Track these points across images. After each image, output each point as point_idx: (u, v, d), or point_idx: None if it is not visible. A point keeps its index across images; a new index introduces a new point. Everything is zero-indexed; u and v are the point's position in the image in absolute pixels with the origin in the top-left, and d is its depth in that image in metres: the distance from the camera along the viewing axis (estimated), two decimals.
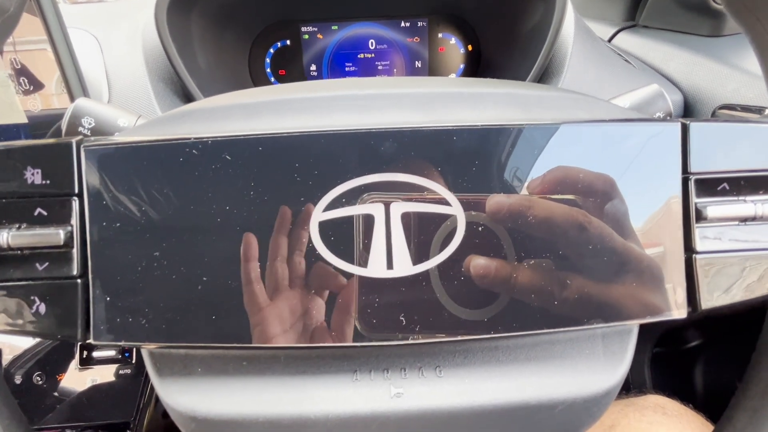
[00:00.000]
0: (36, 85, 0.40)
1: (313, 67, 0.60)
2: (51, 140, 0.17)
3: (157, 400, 0.52)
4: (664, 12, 0.60)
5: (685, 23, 0.57)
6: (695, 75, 0.50)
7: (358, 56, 0.60)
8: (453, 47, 0.60)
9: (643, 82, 0.50)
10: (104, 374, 0.51)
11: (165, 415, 0.53)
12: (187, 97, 0.47)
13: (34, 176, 0.17)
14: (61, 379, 0.51)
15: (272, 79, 0.60)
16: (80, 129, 0.26)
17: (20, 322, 0.17)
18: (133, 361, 0.51)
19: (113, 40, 0.48)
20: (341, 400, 0.18)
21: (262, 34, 0.58)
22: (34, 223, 0.17)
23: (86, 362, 0.51)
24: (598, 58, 0.51)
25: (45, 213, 0.17)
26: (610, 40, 0.66)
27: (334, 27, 0.59)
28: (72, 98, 0.40)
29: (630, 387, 0.66)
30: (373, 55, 0.60)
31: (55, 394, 0.50)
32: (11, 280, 0.17)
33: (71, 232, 0.17)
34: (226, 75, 0.54)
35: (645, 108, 0.28)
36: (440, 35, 0.59)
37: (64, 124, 0.26)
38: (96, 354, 0.51)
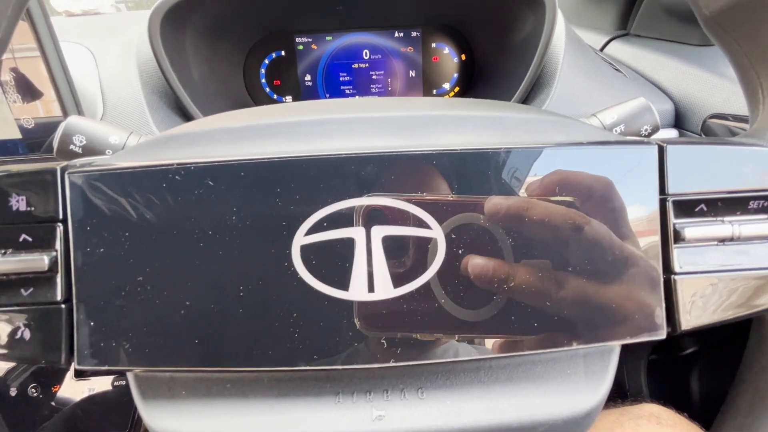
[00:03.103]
0: (36, 93, 0.40)
1: (308, 78, 0.60)
2: (35, 167, 0.17)
3: None
4: (654, 21, 0.61)
5: (676, 32, 0.58)
6: (686, 84, 0.50)
7: (353, 66, 0.60)
8: (447, 57, 0.60)
9: (633, 92, 0.51)
10: (99, 386, 0.51)
11: None
12: (181, 110, 0.48)
13: (18, 203, 0.17)
14: (56, 391, 0.51)
15: (267, 90, 0.60)
16: (71, 147, 0.26)
17: (4, 347, 0.17)
18: None
19: (108, 54, 0.48)
20: (323, 422, 0.18)
21: (256, 45, 0.58)
22: (19, 248, 0.17)
23: (82, 374, 0.51)
24: (589, 67, 0.51)
25: (30, 239, 0.17)
26: (602, 49, 0.66)
27: (329, 38, 0.59)
28: (65, 114, 0.40)
29: (627, 394, 0.66)
30: (367, 65, 0.61)
31: (52, 404, 0.50)
32: None
33: (56, 258, 0.17)
34: (220, 87, 0.54)
35: (632, 121, 0.28)
36: (434, 45, 0.60)
37: (55, 143, 0.26)
38: None
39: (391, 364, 0.17)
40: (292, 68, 0.60)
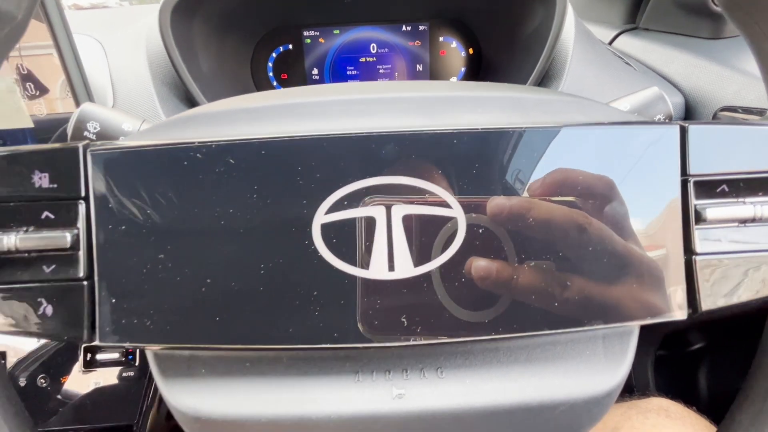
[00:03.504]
0: (41, 90, 0.41)
1: (315, 71, 0.60)
2: (58, 144, 0.17)
3: (161, 402, 0.52)
4: (664, 14, 0.60)
5: (686, 26, 0.58)
6: (696, 77, 0.50)
7: (360, 60, 0.60)
8: (454, 51, 0.60)
9: (643, 85, 0.50)
10: (107, 377, 0.51)
11: (168, 417, 0.54)
12: (190, 101, 0.48)
13: (41, 180, 0.17)
14: (64, 382, 0.51)
15: (274, 83, 0.60)
16: (85, 133, 0.26)
17: (28, 323, 0.17)
18: (137, 364, 0.51)
19: (117, 46, 0.49)
20: (343, 401, 0.18)
21: (264, 38, 0.59)
22: (42, 226, 0.17)
23: (90, 365, 0.51)
24: (599, 60, 0.51)
25: (52, 216, 0.17)
26: (611, 43, 0.66)
27: (336, 31, 0.59)
28: (77, 103, 0.40)
29: (633, 389, 0.66)
30: (374, 59, 0.61)
31: (59, 396, 0.51)
32: (19, 282, 0.17)
33: (77, 235, 0.17)
34: (228, 79, 0.55)
35: (645, 111, 0.28)
36: (441, 39, 0.60)
37: (69, 129, 0.26)
38: (100, 356, 0.51)
39: (412, 342, 0.17)
40: (300, 62, 0.60)
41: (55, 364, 0.51)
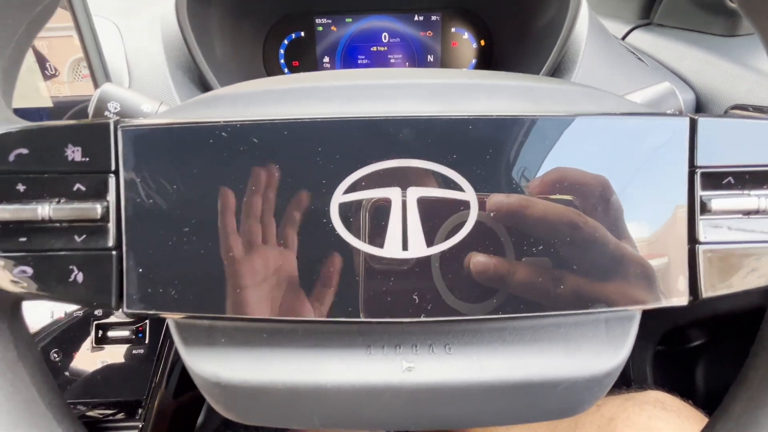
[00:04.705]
0: (52, 72, 0.41)
1: (326, 59, 0.61)
2: (90, 120, 0.18)
3: (168, 380, 0.54)
4: (678, 11, 0.60)
5: (700, 22, 0.57)
6: (708, 74, 0.50)
7: (371, 49, 0.61)
8: (465, 42, 0.60)
9: (655, 81, 0.50)
10: (116, 355, 0.52)
11: (175, 395, 0.55)
12: (204, 86, 0.48)
13: (74, 154, 0.18)
14: (75, 357, 0.53)
15: (285, 70, 0.61)
16: (106, 113, 0.27)
17: (59, 289, 0.18)
18: (146, 342, 0.53)
19: (133, 29, 0.49)
20: (355, 371, 0.19)
21: (276, 25, 0.59)
22: (74, 197, 0.18)
23: (101, 341, 0.53)
24: (611, 55, 0.51)
25: (83, 188, 0.18)
26: (624, 38, 0.65)
27: (348, 19, 0.59)
28: (96, 84, 0.41)
29: (631, 383, 0.67)
30: (385, 48, 0.61)
31: (67, 372, 0.52)
32: (52, 250, 0.18)
33: (107, 207, 0.18)
34: (241, 65, 0.55)
35: (656, 105, 0.28)
36: (453, 30, 0.60)
37: (91, 108, 0.27)
38: (111, 334, 0.53)
39: (422, 318, 0.18)
40: (311, 49, 0.60)
41: (68, 339, 0.52)
